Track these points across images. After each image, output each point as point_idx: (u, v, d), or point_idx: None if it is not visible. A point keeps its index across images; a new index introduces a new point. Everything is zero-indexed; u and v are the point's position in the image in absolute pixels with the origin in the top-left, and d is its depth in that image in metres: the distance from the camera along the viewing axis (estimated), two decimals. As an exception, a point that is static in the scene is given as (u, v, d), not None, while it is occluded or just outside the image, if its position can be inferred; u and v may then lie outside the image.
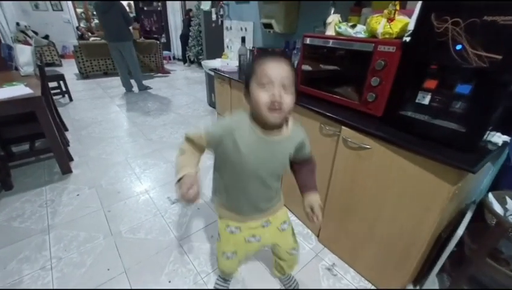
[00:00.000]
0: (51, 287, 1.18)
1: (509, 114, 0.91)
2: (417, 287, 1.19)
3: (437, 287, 1.17)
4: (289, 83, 0.66)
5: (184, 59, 6.87)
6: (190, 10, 6.18)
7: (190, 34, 6.06)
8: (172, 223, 1.57)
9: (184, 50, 6.66)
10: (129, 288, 1.19)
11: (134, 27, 4.98)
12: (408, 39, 0.91)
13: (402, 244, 1.04)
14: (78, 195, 1.79)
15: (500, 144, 0.91)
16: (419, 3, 0.85)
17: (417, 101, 0.94)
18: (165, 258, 1.35)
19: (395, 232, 1.04)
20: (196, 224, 1.58)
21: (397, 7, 0.95)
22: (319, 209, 0.80)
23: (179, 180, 0.68)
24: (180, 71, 6.17)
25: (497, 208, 1.02)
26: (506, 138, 0.93)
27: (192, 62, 6.63)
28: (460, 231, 1.02)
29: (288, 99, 0.66)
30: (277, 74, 0.64)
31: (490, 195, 1.05)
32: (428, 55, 0.85)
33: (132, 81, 4.32)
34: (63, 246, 1.39)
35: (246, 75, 0.71)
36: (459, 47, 0.77)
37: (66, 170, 2.02)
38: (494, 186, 1.21)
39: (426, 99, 0.92)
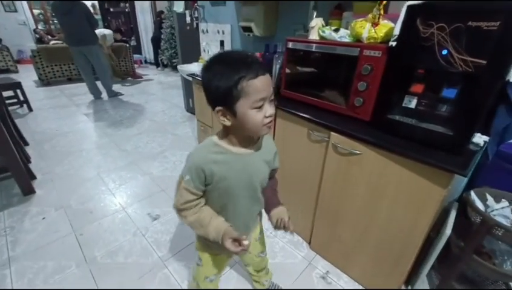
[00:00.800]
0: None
1: (487, 115, 0.95)
2: (409, 287, 1.21)
3: (428, 287, 1.19)
4: (273, 94, 0.62)
5: (156, 63, 6.59)
6: (162, 12, 5.94)
7: (162, 36, 5.82)
8: (155, 242, 1.45)
9: (156, 53, 6.39)
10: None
11: (117, 38, 4.75)
12: (394, 44, 0.91)
13: (396, 249, 1.04)
14: (43, 218, 1.59)
15: (481, 144, 0.94)
16: (404, 8, 0.85)
17: (403, 105, 0.94)
18: (149, 283, 1.23)
19: (388, 238, 1.04)
20: (181, 241, 1.47)
21: (382, 12, 0.95)
22: (289, 219, 0.77)
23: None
24: (153, 76, 5.91)
25: (479, 205, 1.06)
26: (486, 138, 0.97)
27: (165, 66, 6.38)
28: (448, 231, 1.05)
29: (273, 110, 0.63)
30: (268, 89, 0.58)
31: (472, 193, 1.09)
32: (415, 59, 0.85)
33: (101, 88, 4.03)
34: (27, 281, 1.21)
35: (222, 91, 0.56)
36: (444, 52, 0.78)
37: (27, 191, 1.80)
38: (469, 183, 1.27)
39: (412, 103, 0.93)
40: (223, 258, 0.88)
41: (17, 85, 3.25)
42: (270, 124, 0.63)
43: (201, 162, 0.64)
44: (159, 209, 1.71)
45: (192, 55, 2.89)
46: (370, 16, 0.98)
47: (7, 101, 2.89)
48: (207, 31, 2.54)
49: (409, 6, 0.83)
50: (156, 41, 6.12)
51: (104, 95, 4.11)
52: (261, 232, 0.97)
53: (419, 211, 0.93)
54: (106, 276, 1.25)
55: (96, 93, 3.98)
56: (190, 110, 3.44)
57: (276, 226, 0.75)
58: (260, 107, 0.58)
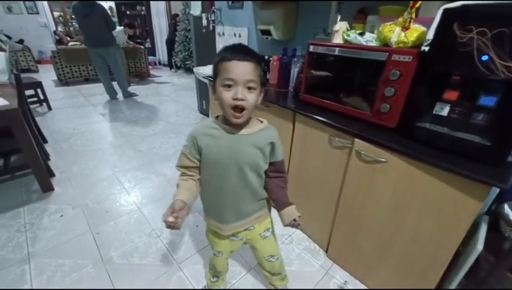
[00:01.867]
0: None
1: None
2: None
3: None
4: (254, 83, 0.66)
5: (170, 65, 6.69)
6: (177, 15, 6.04)
7: (176, 39, 5.91)
8: (170, 244, 1.45)
9: (170, 55, 6.48)
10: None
11: (127, 32, 4.79)
12: (426, 49, 0.87)
13: (422, 263, 0.99)
14: (61, 216, 1.62)
15: (519, 156, 0.89)
16: (439, 12, 0.81)
17: (434, 112, 0.90)
18: (164, 285, 1.22)
19: (414, 251, 1.00)
20: (197, 243, 1.46)
21: (413, 15, 0.91)
22: (300, 219, 0.79)
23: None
24: (167, 77, 5.99)
25: (513, 219, 1.00)
26: (523, 148, 0.91)
27: (178, 68, 6.47)
28: (480, 246, 0.99)
29: (252, 98, 0.67)
30: (240, 73, 0.64)
31: (506, 206, 1.03)
32: (450, 66, 0.81)
33: (117, 88, 4.11)
34: (46, 278, 1.23)
35: (212, 70, 0.71)
36: (485, 58, 0.74)
37: (47, 188, 1.83)
38: (498, 195, 1.20)
39: (444, 111, 0.88)
40: (219, 237, 0.91)
41: (38, 84, 3.36)
42: (239, 114, 0.67)
43: (196, 132, 0.75)
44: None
45: (207, 57, 2.91)
46: (400, 19, 0.95)
47: (28, 100, 2.98)
48: (223, 34, 2.55)
49: (445, 10, 0.79)
50: (170, 43, 6.22)
51: (120, 95, 4.19)
52: (271, 231, 0.95)
53: (449, 224, 0.88)
54: (122, 277, 1.25)
55: (112, 94, 4.07)
56: (204, 112, 3.46)
57: (287, 225, 0.79)
58: (229, 87, 0.65)
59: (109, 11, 3.98)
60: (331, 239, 1.36)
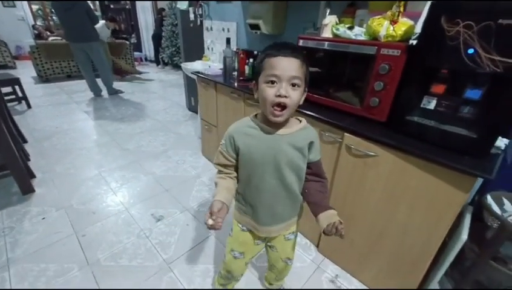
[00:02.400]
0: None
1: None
2: (422, 292, 1.18)
3: (441, 291, 1.16)
4: (299, 80, 0.64)
5: (157, 61, 6.52)
6: (163, 9, 5.88)
7: (163, 34, 5.76)
8: (159, 244, 1.41)
9: (157, 51, 6.32)
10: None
11: (109, 26, 4.59)
12: (414, 42, 0.88)
13: (411, 254, 1.01)
14: (43, 219, 1.55)
15: (502, 148, 0.92)
16: (427, 5, 0.81)
17: (422, 105, 0.92)
18: (154, 287, 1.19)
19: (404, 244, 1.01)
20: (187, 243, 1.43)
21: (402, 9, 0.92)
22: (341, 225, 0.70)
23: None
24: (154, 73, 5.85)
25: (496, 209, 1.03)
26: (506, 141, 0.94)
27: (165, 64, 6.32)
28: (464, 236, 1.01)
29: (295, 96, 0.65)
30: (286, 70, 0.62)
31: (489, 196, 1.06)
32: (438, 59, 0.82)
33: (101, 85, 3.97)
34: (28, 284, 1.17)
35: (254, 68, 0.71)
36: (471, 51, 0.75)
37: (27, 190, 1.75)
38: (481, 186, 1.24)
39: (431, 104, 0.90)
40: (248, 237, 0.88)
41: (16, 81, 3.19)
42: (279, 112, 0.65)
43: (234, 131, 0.74)
44: (163, 209, 1.67)
45: (195, 53, 2.85)
46: (388, 13, 0.95)
47: (5, 98, 2.83)
48: (211, 29, 2.50)
49: (433, 4, 0.80)
50: (157, 39, 6.06)
51: (104, 92, 4.05)
52: (294, 235, 0.92)
53: (438, 215, 0.90)
54: (110, 279, 1.21)
55: (96, 91, 3.93)
56: (193, 108, 3.39)
57: (327, 231, 0.69)
58: (272, 83, 0.64)
59: (91, 5, 3.82)
60: (321, 234, 1.36)
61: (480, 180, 1.24)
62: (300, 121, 0.77)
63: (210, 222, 0.65)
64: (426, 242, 0.95)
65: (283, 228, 0.85)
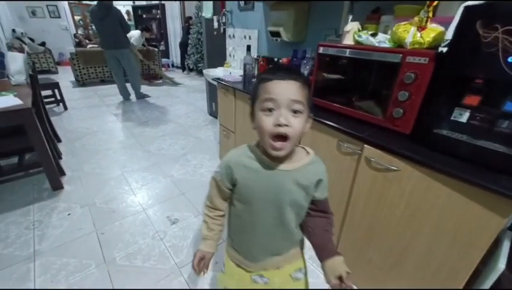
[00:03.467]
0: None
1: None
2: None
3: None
4: (300, 105, 0.55)
5: (183, 67, 6.78)
6: (190, 18, 6.13)
7: (189, 41, 5.99)
8: (172, 248, 1.43)
9: (183, 58, 6.58)
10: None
11: (144, 36, 4.91)
12: (445, 50, 0.81)
13: (436, 283, 0.91)
14: (69, 215, 1.64)
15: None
16: (460, 10, 0.75)
17: (453, 118, 0.83)
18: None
19: (428, 269, 0.92)
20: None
21: (430, 14, 0.85)
22: (349, 278, 0.61)
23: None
24: (179, 79, 6.08)
25: (541, 237, 0.91)
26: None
27: (191, 70, 6.55)
28: (502, 265, 0.90)
29: (297, 125, 0.55)
30: (283, 94, 0.54)
31: (532, 222, 0.94)
32: (472, 68, 0.75)
33: (130, 89, 4.20)
34: (49, 276, 1.23)
35: (251, 94, 0.63)
36: (511, 59, 0.67)
37: (56, 186, 1.87)
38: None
39: (464, 117, 0.82)
40: (245, 276, 0.76)
41: (55, 85, 3.48)
42: (280, 145, 0.56)
43: (232, 161, 0.65)
44: (178, 213, 1.69)
45: (218, 60, 2.91)
46: (416, 18, 0.89)
47: (45, 100, 3.09)
48: (233, 36, 2.54)
49: (467, 7, 0.73)
50: (183, 46, 6.31)
51: (132, 96, 4.28)
52: (304, 273, 0.80)
53: (468, 240, 0.80)
54: (123, 279, 1.24)
55: (125, 95, 4.16)
56: (213, 114, 3.46)
57: (332, 285, 0.61)
58: (270, 111, 0.55)
59: (126, 15, 4.10)
60: (338, 249, 1.29)
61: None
62: (308, 153, 0.67)
63: (197, 272, 0.69)
64: (454, 268, 0.86)
65: (281, 260, 0.74)
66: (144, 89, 4.62)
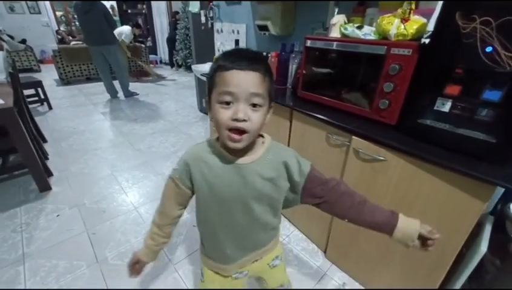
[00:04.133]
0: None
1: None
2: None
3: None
4: (260, 98, 0.52)
5: (171, 63, 6.67)
6: (177, 13, 6.01)
7: (177, 37, 5.89)
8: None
9: (171, 54, 6.47)
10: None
11: (135, 32, 4.80)
12: (427, 41, 0.83)
13: (424, 265, 0.95)
14: (58, 216, 1.61)
15: (526, 153, 0.84)
16: (440, 2, 0.77)
17: (435, 108, 0.86)
18: (159, 287, 1.20)
19: (416, 254, 0.95)
20: (192, 244, 1.44)
21: (413, 6, 0.87)
22: (432, 232, 0.60)
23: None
24: (168, 76, 5.98)
25: (520, 220, 0.95)
26: (530, 146, 0.86)
27: (179, 66, 6.45)
28: (484, 248, 0.94)
29: (256, 119, 0.52)
30: (242, 87, 0.49)
31: (511, 206, 0.99)
32: (452, 58, 0.77)
33: (118, 87, 4.10)
34: (39, 279, 1.21)
35: (207, 81, 0.57)
36: (489, 49, 0.69)
37: (44, 187, 1.83)
38: (504, 195, 1.15)
39: (446, 107, 0.84)
40: (225, 280, 0.74)
41: (38, 84, 3.36)
42: (237, 137, 0.52)
43: (190, 158, 0.61)
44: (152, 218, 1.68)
45: (207, 55, 2.88)
46: (399, 10, 0.90)
47: (28, 99, 2.99)
48: (221, 31, 2.51)
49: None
50: (171, 41, 6.20)
51: (120, 94, 4.18)
52: (280, 258, 0.80)
53: (452, 225, 0.84)
54: (117, 278, 1.23)
55: (113, 93, 4.06)
56: (204, 110, 3.43)
57: (414, 246, 0.60)
58: (227, 104, 0.51)
59: (110, 10, 3.97)
60: (329, 240, 1.32)
61: (502, 189, 1.16)
62: (263, 143, 0.62)
63: (130, 273, 0.72)
64: (440, 253, 0.89)
65: (257, 255, 0.72)
66: (133, 86, 4.52)
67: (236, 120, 0.50)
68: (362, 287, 1.22)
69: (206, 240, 0.71)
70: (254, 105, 0.51)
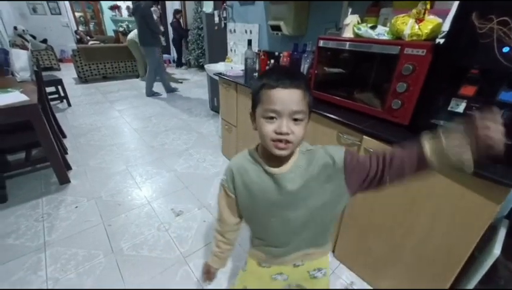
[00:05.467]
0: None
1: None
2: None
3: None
4: (302, 114, 0.55)
5: (178, 63, 6.80)
6: (179, 11, 6.03)
7: (189, 38, 5.99)
8: (177, 238, 1.47)
9: (179, 54, 6.61)
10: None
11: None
12: (442, 41, 0.83)
13: (434, 267, 0.95)
14: (76, 207, 1.69)
15: (544, 156, 0.82)
16: (456, 2, 0.76)
17: (449, 109, 0.85)
18: (170, 278, 1.25)
19: (427, 254, 0.95)
20: (203, 238, 1.48)
21: (428, 6, 0.87)
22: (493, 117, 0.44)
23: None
24: (180, 75, 6.09)
25: (536, 224, 0.93)
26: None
27: (190, 66, 6.56)
28: (497, 251, 0.93)
29: (299, 131, 0.55)
30: (286, 105, 0.53)
31: (528, 210, 0.96)
32: (468, 58, 0.76)
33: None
34: (60, 266, 1.28)
35: (252, 96, 0.60)
36: (506, 49, 0.69)
37: (64, 180, 1.92)
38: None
39: (460, 107, 0.84)
40: (265, 275, 0.77)
41: (59, 82, 3.51)
42: (283, 145, 0.55)
43: (234, 165, 0.66)
44: (182, 205, 1.74)
45: (219, 55, 2.92)
46: (414, 11, 0.90)
47: (49, 97, 3.12)
48: (234, 31, 2.55)
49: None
50: (176, 42, 6.28)
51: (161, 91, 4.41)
52: (324, 273, 0.77)
53: (464, 227, 0.83)
54: (131, 268, 1.29)
55: (147, 91, 4.27)
56: (215, 108, 3.48)
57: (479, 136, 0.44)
58: (271, 119, 0.55)
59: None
60: (338, 239, 1.33)
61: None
62: (299, 151, 0.64)
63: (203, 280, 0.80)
64: (450, 255, 0.89)
65: (298, 257, 0.72)
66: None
67: (281, 133, 0.54)
68: (370, 287, 1.23)
69: (252, 234, 0.75)
70: (296, 119, 0.55)
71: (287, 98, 0.53)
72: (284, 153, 0.56)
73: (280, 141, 0.55)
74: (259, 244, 0.73)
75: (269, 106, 0.54)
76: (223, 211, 0.72)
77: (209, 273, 0.80)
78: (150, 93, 4.32)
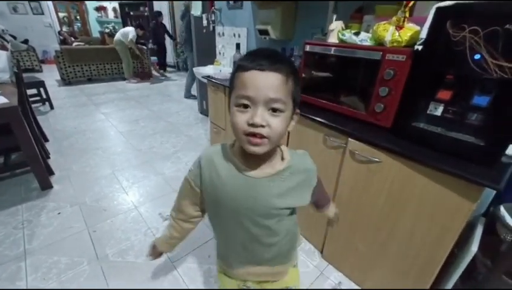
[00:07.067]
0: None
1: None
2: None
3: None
4: (281, 104, 0.47)
5: (162, 66, 6.64)
6: (160, 13, 5.83)
7: (178, 40, 5.93)
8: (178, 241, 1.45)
9: (163, 58, 6.46)
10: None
11: (139, 33, 4.94)
12: (419, 48, 0.87)
13: (417, 264, 0.98)
14: (59, 213, 1.63)
15: (515, 157, 0.88)
16: (432, 10, 0.80)
17: (428, 112, 0.90)
18: (158, 284, 1.22)
19: (409, 252, 0.98)
20: (191, 243, 1.46)
21: (407, 14, 0.91)
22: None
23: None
24: (168, 77, 6.02)
25: (510, 221, 0.98)
26: (519, 149, 0.90)
27: (178, 68, 6.49)
28: (474, 248, 0.97)
29: (276, 125, 0.47)
30: (261, 91, 0.45)
31: (502, 208, 1.02)
32: (443, 64, 0.81)
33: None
34: (41, 274, 1.23)
35: (229, 84, 0.53)
36: (477, 56, 0.73)
37: (45, 185, 1.85)
38: (496, 197, 1.18)
39: (438, 111, 0.88)
40: (232, 282, 0.72)
41: (41, 84, 3.39)
42: (257, 141, 0.47)
43: (203, 158, 0.59)
44: (170, 209, 1.70)
45: (208, 58, 2.92)
46: (394, 18, 0.94)
47: (31, 99, 3.01)
48: (223, 34, 2.56)
49: (438, 8, 0.79)
50: (159, 46, 6.17)
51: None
52: (294, 276, 0.77)
53: (444, 225, 0.87)
54: (117, 275, 1.26)
55: (185, 93, 4.31)
56: (204, 112, 3.46)
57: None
58: (245, 108, 0.47)
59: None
60: (326, 240, 1.35)
61: (494, 191, 1.19)
62: (282, 159, 0.57)
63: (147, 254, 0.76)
64: (432, 253, 0.92)
65: (269, 272, 0.67)
66: (135, 86, 4.56)
67: (253, 125, 0.46)
68: (357, 287, 1.25)
69: (218, 241, 0.71)
70: (274, 110, 0.47)
71: (263, 82, 0.45)
72: (258, 149, 0.48)
73: (254, 135, 0.47)
74: (219, 253, 0.72)
75: (241, 91, 0.46)
76: (181, 201, 0.66)
77: (154, 249, 0.75)
78: (188, 94, 4.37)
